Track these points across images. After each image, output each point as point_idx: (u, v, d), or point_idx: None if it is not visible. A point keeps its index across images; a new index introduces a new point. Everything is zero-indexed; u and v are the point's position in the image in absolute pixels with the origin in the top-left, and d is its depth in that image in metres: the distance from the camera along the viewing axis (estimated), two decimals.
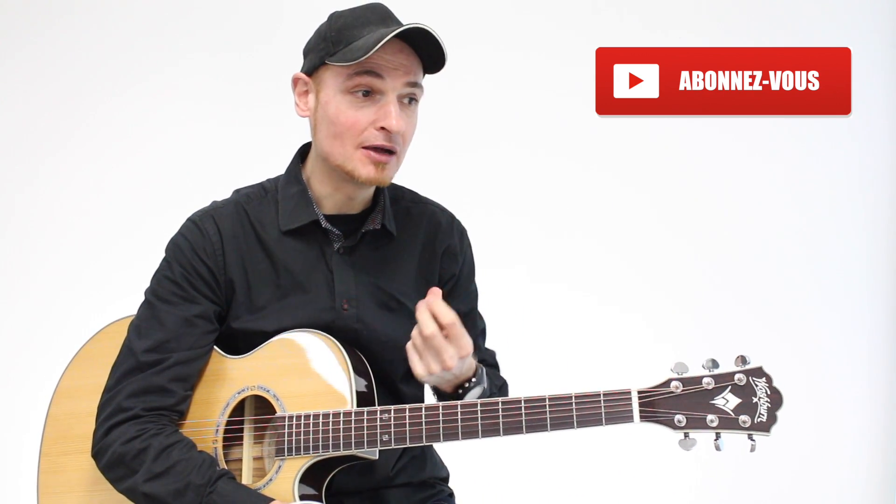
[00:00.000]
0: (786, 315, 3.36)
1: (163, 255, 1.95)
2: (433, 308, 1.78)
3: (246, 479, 1.89)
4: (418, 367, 1.80)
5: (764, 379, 1.68)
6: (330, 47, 1.86)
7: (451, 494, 2.14)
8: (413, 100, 1.88)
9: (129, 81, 3.47)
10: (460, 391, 1.86)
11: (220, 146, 3.42)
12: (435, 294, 1.79)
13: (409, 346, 1.81)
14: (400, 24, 1.84)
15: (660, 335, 3.33)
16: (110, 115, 3.48)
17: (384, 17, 1.87)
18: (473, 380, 1.86)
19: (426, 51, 1.85)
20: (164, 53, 3.48)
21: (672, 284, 3.37)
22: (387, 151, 1.85)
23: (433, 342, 1.77)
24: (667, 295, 3.37)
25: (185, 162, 3.43)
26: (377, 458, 1.83)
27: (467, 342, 1.79)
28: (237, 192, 2.02)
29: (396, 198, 2.05)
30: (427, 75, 1.91)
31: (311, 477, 1.83)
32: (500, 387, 2.05)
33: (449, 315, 1.77)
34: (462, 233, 2.10)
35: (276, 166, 2.04)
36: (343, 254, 1.95)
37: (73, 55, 3.49)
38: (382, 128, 1.83)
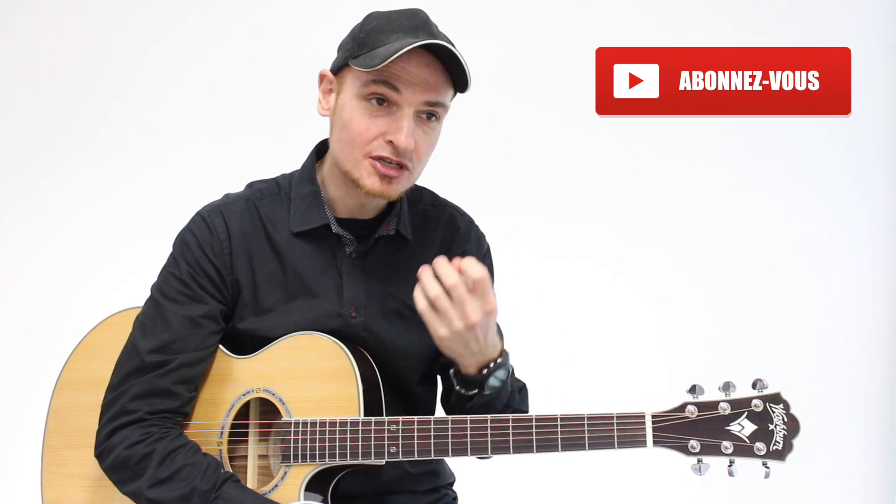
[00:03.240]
0: (785, 314, 3.37)
1: (169, 247, 1.94)
2: (455, 265, 1.73)
3: (251, 480, 1.88)
4: (440, 328, 1.74)
5: (781, 405, 1.65)
6: (356, 49, 1.82)
7: (456, 498, 2.14)
8: (433, 116, 1.83)
9: (141, 73, 3.48)
10: (485, 371, 1.80)
11: (234, 137, 3.42)
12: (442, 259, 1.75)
13: (423, 308, 1.75)
14: (431, 37, 1.79)
15: (659, 335, 3.34)
16: (122, 105, 3.47)
17: (417, 26, 1.80)
18: (499, 360, 1.81)
19: (453, 68, 1.81)
20: (174, 46, 3.48)
21: (671, 284, 3.37)
22: (396, 166, 1.81)
23: (456, 293, 1.72)
24: (666, 295, 3.37)
25: (195, 153, 3.43)
26: (384, 464, 1.81)
27: (493, 299, 1.74)
28: (250, 185, 1.99)
29: (415, 200, 2.02)
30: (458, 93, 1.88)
31: (316, 482, 1.83)
32: (520, 388, 2.00)
33: (478, 270, 1.71)
34: (480, 238, 2.07)
35: (291, 161, 2.02)
36: (355, 259, 1.92)
37: (81, 50, 3.48)
38: (391, 141, 1.79)
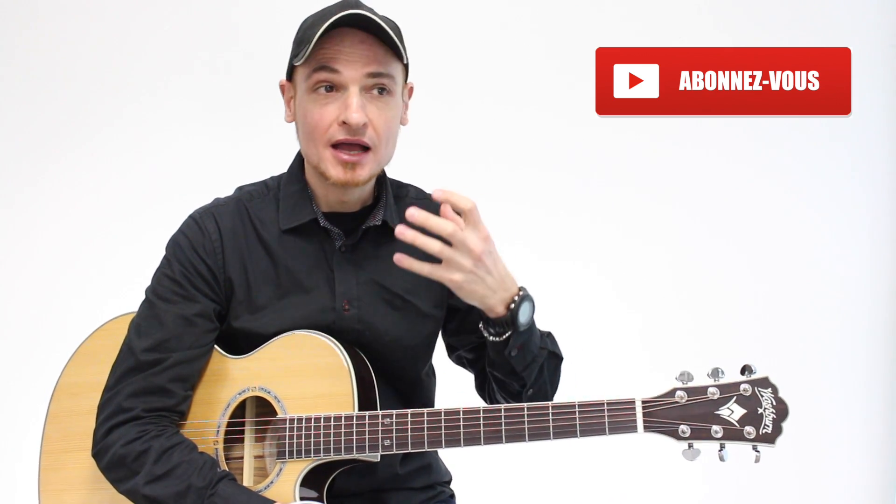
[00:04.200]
0: (785, 315, 3.37)
1: (163, 252, 1.94)
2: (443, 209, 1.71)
3: (247, 479, 1.88)
4: (454, 275, 1.72)
5: (770, 389, 1.66)
6: (295, 48, 1.85)
7: (452, 496, 2.14)
8: (384, 90, 1.83)
9: (134, 79, 3.47)
10: (512, 306, 1.78)
11: (223, 143, 3.42)
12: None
13: (429, 270, 1.73)
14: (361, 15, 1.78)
15: (659, 336, 3.34)
16: (115, 113, 3.47)
17: (344, 9, 1.79)
18: (521, 293, 1.79)
19: (389, 39, 1.80)
20: (165, 51, 3.48)
21: (671, 285, 3.37)
22: (359, 148, 1.81)
23: (455, 237, 1.70)
24: (666, 295, 3.37)
25: (187, 159, 3.43)
26: (379, 460, 1.82)
27: (484, 226, 1.73)
28: (240, 189, 2.01)
29: (400, 195, 2.02)
30: (419, 67, 1.90)
31: (312, 479, 1.83)
32: (546, 333, 1.98)
33: (467, 202, 1.71)
34: None
35: (280, 164, 2.03)
36: (345, 252, 1.92)
37: (79, 57, 3.48)
38: (344, 122, 1.79)
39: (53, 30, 3.49)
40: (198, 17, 3.47)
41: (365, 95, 1.80)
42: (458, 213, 1.72)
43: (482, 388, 2.06)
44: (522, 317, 1.80)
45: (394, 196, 1.99)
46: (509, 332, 1.81)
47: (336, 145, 1.81)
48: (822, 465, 3.34)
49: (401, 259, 1.72)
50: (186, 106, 3.45)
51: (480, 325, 1.85)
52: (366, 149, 1.82)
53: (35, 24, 3.50)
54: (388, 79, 1.82)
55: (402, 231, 1.71)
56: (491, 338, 1.83)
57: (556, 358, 1.97)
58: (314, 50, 1.78)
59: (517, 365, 1.85)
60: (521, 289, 1.81)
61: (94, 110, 3.47)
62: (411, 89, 1.94)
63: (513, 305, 1.79)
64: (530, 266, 3.25)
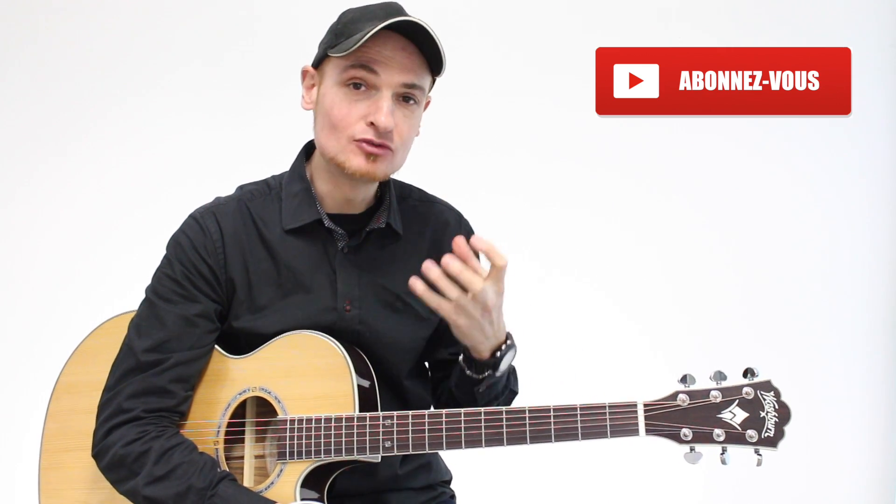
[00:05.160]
0: (785, 315, 3.36)
1: (164, 251, 1.93)
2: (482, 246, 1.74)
3: (248, 479, 1.88)
4: (460, 319, 1.77)
5: (772, 393, 1.67)
6: (333, 39, 1.85)
7: (453, 496, 2.14)
8: (412, 100, 1.85)
9: (133, 76, 3.47)
10: (497, 353, 1.84)
11: (224, 141, 3.41)
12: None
13: (435, 303, 1.77)
14: (414, 24, 1.80)
15: (657, 337, 3.34)
16: (114, 110, 3.47)
17: (390, 13, 1.81)
18: (508, 342, 1.85)
19: (428, 50, 1.82)
20: (166, 48, 3.47)
21: (671, 285, 3.37)
22: (379, 145, 1.82)
23: (477, 292, 1.74)
24: (667, 296, 3.37)
25: (188, 157, 3.42)
26: (379, 461, 1.82)
27: (503, 284, 1.77)
28: (241, 188, 2.00)
29: (403, 196, 2.03)
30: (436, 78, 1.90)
31: (312, 479, 1.83)
32: (512, 370, 2.01)
33: (503, 258, 1.74)
34: (469, 232, 2.07)
35: (281, 163, 2.02)
36: (347, 253, 1.93)
37: (77, 52, 3.48)
38: (372, 123, 1.80)
39: (58, 25, 3.49)
40: (198, 12, 3.46)
41: (394, 101, 1.82)
42: (483, 260, 1.77)
43: (437, 398, 2.10)
44: (504, 364, 1.86)
45: (398, 197, 2.01)
46: (487, 373, 1.86)
47: (359, 140, 1.82)
48: (822, 465, 3.33)
49: (414, 284, 1.76)
50: (190, 102, 3.45)
51: (461, 360, 1.90)
52: (385, 147, 1.83)
53: (40, 20, 3.49)
54: (419, 91, 1.85)
55: (428, 267, 1.75)
56: (468, 373, 1.88)
57: (512, 394, 2.03)
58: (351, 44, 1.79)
59: (480, 399, 1.91)
60: (508, 336, 1.86)
61: (95, 106, 3.47)
62: (428, 102, 1.95)
63: (498, 353, 1.85)
64: (528, 265, 3.28)
